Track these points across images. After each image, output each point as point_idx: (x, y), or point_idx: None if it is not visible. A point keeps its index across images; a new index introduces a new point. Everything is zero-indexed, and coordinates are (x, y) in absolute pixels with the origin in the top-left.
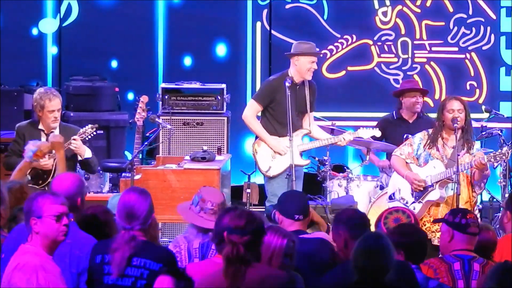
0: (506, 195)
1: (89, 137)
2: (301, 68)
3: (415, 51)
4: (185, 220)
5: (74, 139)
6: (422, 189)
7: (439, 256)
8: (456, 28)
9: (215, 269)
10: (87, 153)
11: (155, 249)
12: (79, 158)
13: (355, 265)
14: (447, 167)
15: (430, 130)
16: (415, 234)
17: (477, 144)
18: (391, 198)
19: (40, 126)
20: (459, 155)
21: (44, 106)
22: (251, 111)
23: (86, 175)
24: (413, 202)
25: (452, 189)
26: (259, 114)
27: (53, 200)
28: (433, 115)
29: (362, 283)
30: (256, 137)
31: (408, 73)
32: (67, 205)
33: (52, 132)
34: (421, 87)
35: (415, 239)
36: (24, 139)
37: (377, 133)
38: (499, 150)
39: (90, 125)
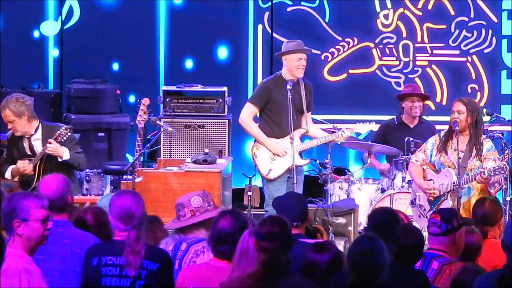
0: (508, 198)
1: (64, 138)
2: (290, 66)
3: (416, 54)
4: None
5: (49, 142)
6: (436, 196)
7: None
8: (457, 31)
9: (210, 272)
10: (65, 154)
11: (152, 249)
12: (59, 159)
13: (350, 265)
14: (458, 173)
15: (442, 133)
16: None
17: (487, 144)
18: (412, 203)
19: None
20: (459, 159)
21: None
22: (248, 113)
23: (87, 178)
24: (429, 211)
25: (465, 194)
26: (257, 115)
27: (39, 204)
28: (434, 119)
29: (357, 284)
30: (255, 140)
31: (410, 76)
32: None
33: (32, 135)
34: (423, 90)
35: None
36: (11, 146)
37: (374, 127)
38: (498, 164)
39: (65, 126)
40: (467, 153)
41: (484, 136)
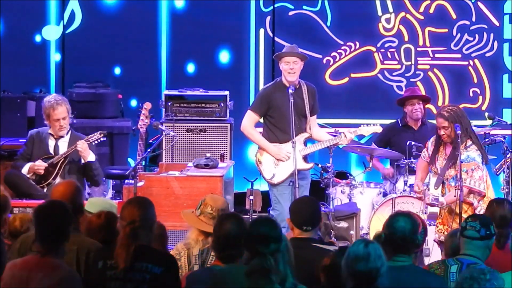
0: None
1: (96, 142)
2: (282, 71)
3: (418, 58)
4: (188, 227)
5: (82, 143)
6: (420, 197)
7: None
8: (459, 35)
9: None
10: (90, 156)
11: (157, 253)
12: (82, 161)
13: (347, 272)
14: (436, 182)
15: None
16: None
17: (464, 155)
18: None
19: (50, 130)
20: (456, 159)
21: (50, 115)
22: (249, 121)
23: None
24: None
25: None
26: (261, 121)
27: None
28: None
29: None
30: (259, 147)
31: (411, 80)
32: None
33: (61, 137)
34: (424, 93)
35: None
36: (33, 142)
37: (378, 129)
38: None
39: (99, 131)
40: (448, 162)
41: (469, 143)
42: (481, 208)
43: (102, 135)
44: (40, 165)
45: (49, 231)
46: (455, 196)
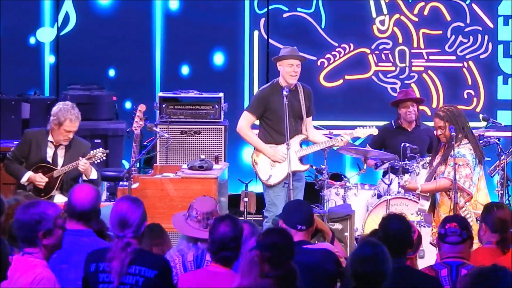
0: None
1: (98, 161)
2: (283, 72)
3: (412, 60)
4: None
5: (84, 163)
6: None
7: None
8: (453, 36)
9: (211, 278)
10: (93, 174)
11: (150, 257)
12: (84, 177)
13: (352, 272)
14: (428, 177)
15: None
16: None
17: (455, 150)
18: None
19: (50, 138)
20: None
21: (63, 124)
22: (245, 122)
23: None
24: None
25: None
26: (257, 123)
27: (58, 210)
28: (431, 124)
29: None
30: (255, 148)
31: (406, 81)
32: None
33: (60, 145)
34: (418, 95)
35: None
36: (30, 145)
37: (374, 131)
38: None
39: (101, 149)
40: (441, 159)
41: (465, 141)
42: (465, 209)
43: (104, 154)
44: (41, 181)
45: (26, 231)
46: (437, 185)
